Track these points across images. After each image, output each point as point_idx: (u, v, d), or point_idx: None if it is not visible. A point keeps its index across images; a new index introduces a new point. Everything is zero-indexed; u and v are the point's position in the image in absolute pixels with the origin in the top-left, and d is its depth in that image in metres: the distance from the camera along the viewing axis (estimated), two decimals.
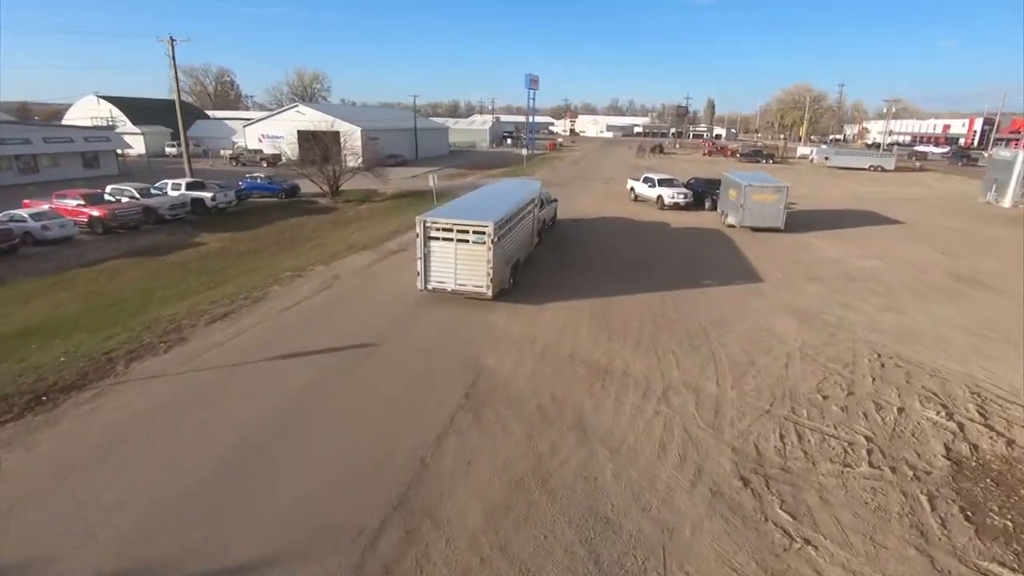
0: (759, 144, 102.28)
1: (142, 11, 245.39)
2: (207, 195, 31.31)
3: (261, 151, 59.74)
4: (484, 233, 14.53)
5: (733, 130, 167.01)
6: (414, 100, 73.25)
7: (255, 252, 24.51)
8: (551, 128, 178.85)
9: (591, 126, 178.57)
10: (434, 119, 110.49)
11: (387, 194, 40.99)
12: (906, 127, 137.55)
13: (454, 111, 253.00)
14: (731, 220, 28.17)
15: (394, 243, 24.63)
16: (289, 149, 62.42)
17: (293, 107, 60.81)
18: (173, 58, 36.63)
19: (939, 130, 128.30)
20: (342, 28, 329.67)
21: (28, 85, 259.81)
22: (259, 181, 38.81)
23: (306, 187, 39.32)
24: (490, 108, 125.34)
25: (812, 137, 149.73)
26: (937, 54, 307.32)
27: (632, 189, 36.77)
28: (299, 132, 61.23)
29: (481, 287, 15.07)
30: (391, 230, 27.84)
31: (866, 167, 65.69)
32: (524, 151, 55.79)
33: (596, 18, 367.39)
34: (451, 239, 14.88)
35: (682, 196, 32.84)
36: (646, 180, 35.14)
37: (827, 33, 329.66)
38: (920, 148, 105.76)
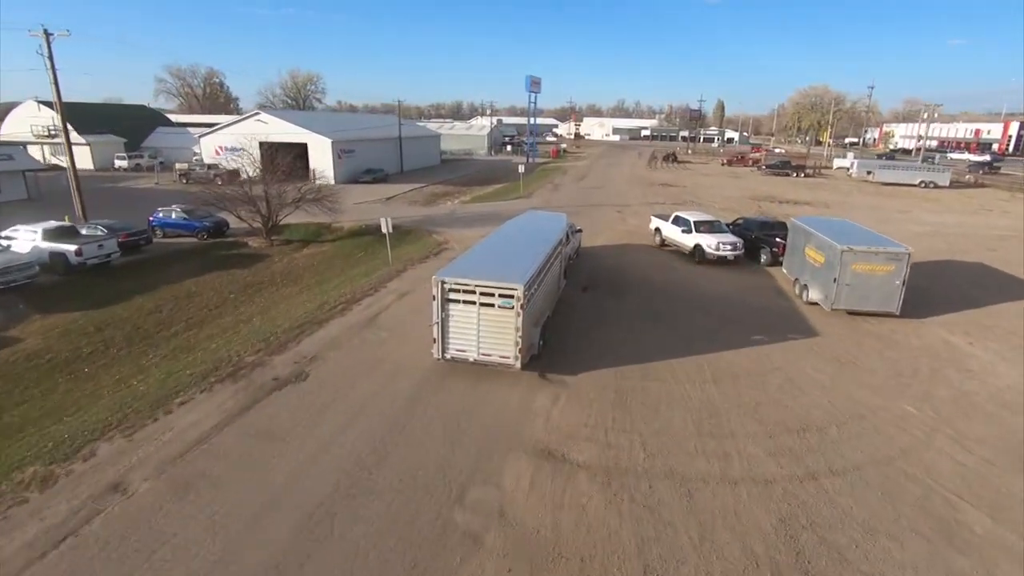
0: (783, 152, 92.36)
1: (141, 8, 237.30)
2: (70, 248, 22.15)
3: (217, 166, 50.60)
4: (512, 296, 12.34)
5: (745, 133, 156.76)
6: (398, 105, 63.75)
7: (85, 358, 15.37)
8: (555, 131, 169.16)
9: (597, 128, 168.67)
10: (428, 124, 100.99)
11: (342, 230, 31.74)
12: (931, 131, 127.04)
13: (456, 112, 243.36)
14: (814, 296, 18.77)
15: (329, 332, 15.37)
16: (250, 164, 53.66)
17: (253, 115, 51.63)
18: (50, 56, 27.46)
19: (970, 134, 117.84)
20: (342, 28, 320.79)
21: None
22: (173, 217, 29.62)
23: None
24: (488, 111, 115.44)
25: (829, 142, 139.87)
26: (947, 54, 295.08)
27: (657, 232, 27.31)
28: (261, 144, 52.11)
29: (508, 358, 12.79)
30: (326, 303, 18.52)
31: (916, 183, 55.91)
32: (521, 167, 46.37)
33: (601, 17, 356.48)
34: (473, 302, 12.68)
35: (730, 247, 23.42)
36: (678, 221, 25.69)
37: (834, 33, 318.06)
38: (955, 155, 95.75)
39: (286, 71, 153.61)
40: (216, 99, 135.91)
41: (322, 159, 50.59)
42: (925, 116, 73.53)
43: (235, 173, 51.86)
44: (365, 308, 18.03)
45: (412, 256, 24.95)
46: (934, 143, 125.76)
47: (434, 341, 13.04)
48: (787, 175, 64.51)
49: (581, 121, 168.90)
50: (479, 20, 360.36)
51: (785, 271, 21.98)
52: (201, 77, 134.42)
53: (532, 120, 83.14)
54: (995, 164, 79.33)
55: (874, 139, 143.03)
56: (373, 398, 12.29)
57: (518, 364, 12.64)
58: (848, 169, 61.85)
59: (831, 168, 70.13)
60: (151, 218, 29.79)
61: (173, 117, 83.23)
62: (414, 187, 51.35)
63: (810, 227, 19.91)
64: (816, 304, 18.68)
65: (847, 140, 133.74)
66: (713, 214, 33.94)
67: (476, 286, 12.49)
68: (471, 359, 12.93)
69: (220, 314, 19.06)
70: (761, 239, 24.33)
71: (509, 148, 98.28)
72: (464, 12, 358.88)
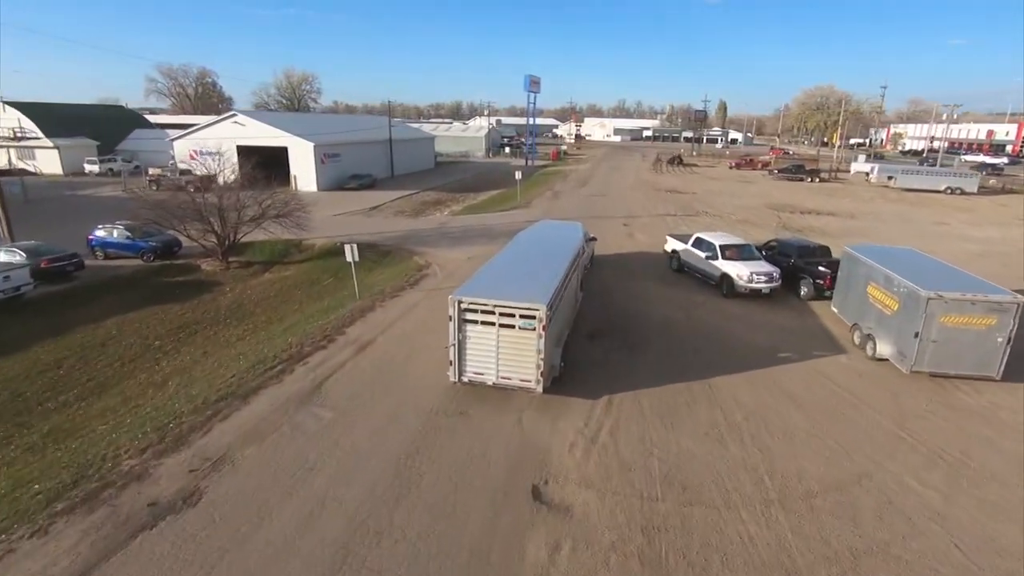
0: (792, 153, 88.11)
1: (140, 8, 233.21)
2: None
3: (190, 171, 46.46)
4: (534, 317, 11.34)
5: (749, 134, 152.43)
6: (388, 105, 59.49)
7: None
8: (555, 131, 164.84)
9: (598, 129, 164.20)
10: (422, 126, 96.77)
11: (313, 248, 27.65)
12: (938, 131, 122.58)
13: (456, 112, 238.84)
14: (884, 350, 14.66)
15: (254, 411, 11.27)
16: (228, 168, 49.50)
17: (229, 116, 47.45)
18: None
19: (982, 135, 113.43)
20: (342, 29, 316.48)
21: None
22: (115, 236, 25.52)
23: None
24: (486, 111, 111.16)
25: (826, 141, 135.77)
26: (945, 54, 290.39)
27: (674, 255, 23.21)
28: (239, 148, 48.01)
29: (529, 381, 11.77)
30: (264, 360, 14.34)
31: (942, 189, 51.76)
32: (518, 173, 42.23)
33: (601, 17, 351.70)
34: (492, 323, 11.68)
35: (765, 279, 19.30)
36: (700, 245, 21.56)
37: (835, 33, 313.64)
38: (968, 157, 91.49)
39: (280, 70, 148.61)
40: (209, 100, 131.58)
41: (304, 164, 46.52)
42: (944, 116, 69.11)
43: (209, 179, 47.94)
44: (311, 370, 13.93)
45: (385, 287, 20.86)
46: (944, 144, 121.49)
47: (450, 363, 12.30)
48: (801, 180, 60.32)
49: (582, 122, 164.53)
50: (478, 20, 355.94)
51: (836, 310, 17.86)
52: (193, 77, 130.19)
53: (531, 120, 78.91)
54: (997, 167, 75.82)
55: (882, 140, 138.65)
56: (292, 543, 8.23)
57: (540, 388, 11.87)
58: (867, 174, 57.61)
59: (847, 172, 65.87)
60: (90, 237, 25.73)
61: (152, 118, 79.03)
62: (404, 194, 47.26)
63: (874, 261, 15.80)
64: (886, 360, 14.60)
65: (851, 141, 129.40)
66: (734, 230, 30.00)
67: (495, 306, 11.70)
68: (489, 382, 12.19)
69: (132, 371, 15.01)
70: (801, 268, 20.20)
71: (507, 150, 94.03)
72: (463, 11, 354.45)
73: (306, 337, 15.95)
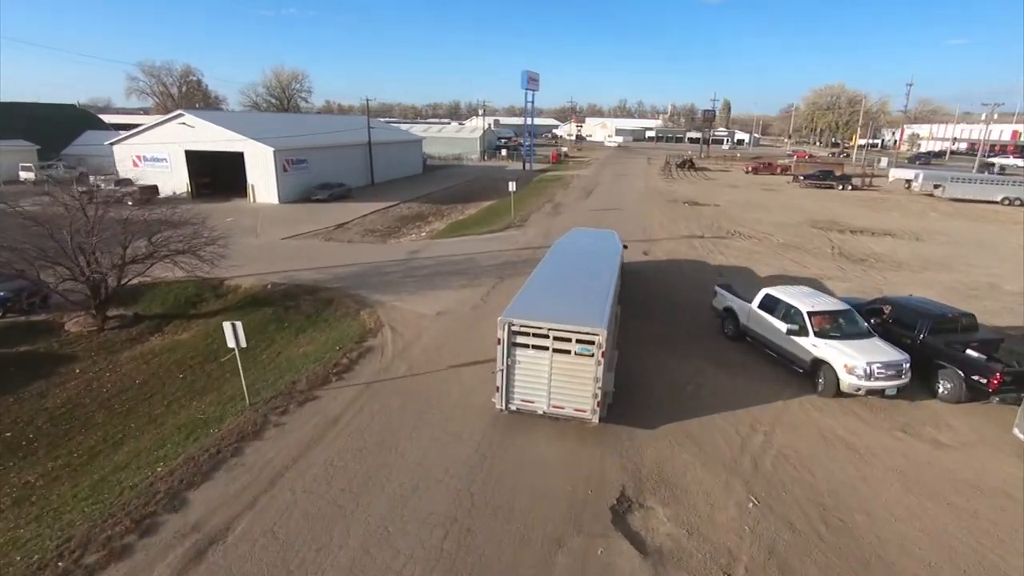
0: (809, 155, 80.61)
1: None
2: None
3: (130, 181, 39.14)
4: (592, 342, 10.10)
5: (756, 135, 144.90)
6: (367, 103, 51.97)
7: None
8: (554, 132, 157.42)
9: (599, 130, 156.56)
10: (413, 127, 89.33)
11: (237, 292, 20.42)
12: (958, 132, 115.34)
13: (455, 112, 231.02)
14: None
15: None
16: (175, 178, 42.14)
17: (176, 116, 39.96)
18: None
19: (1006, 136, 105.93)
20: (341, 28, 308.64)
21: None
22: None
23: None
24: (481, 111, 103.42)
25: (837, 142, 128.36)
26: (945, 54, 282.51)
27: (729, 315, 15.88)
28: (188, 153, 40.69)
29: (584, 411, 10.53)
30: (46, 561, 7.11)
31: (998, 200, 44.46)
32: (512, 184, 34.90)
33: (601, 16, 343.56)
34: (545, 347, 10.45)
35: (891, 373, 12.00)
36: (772, 305, 14.21)
37: (836, 33, 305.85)
38: (998, 160, 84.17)
39: (269, 69, 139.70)
40: (193, 99, 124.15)
41: (262, 172, 39.17)
42: (983, 117, 61.75)
43: (151, 190, 40.71)
44: None
45: (301, 373, 13.62)
46: (963, 146, 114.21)
47: (497, 390, 10.91)
48: (831, 187, 52.98)
49: (583, 122, 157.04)
50: (476, 19, 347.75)
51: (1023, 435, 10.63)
52: (177, 75, 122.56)
53: (530, 120, 71.45)
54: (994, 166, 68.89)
55: (895, 141, 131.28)
56: None
57: (596, 418, 10.46)
58: (908, 181, 50.16)
59: (882, 177, 58.36)
60: None
61: (111, 118, 71.47)
62: (380, 207, 39.95)
63: None
64: None
65: (859, 143, 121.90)
66: (782, 260, 22.93)
67: (550, 329, 10.31)
68: (540, 411, 10.80)
69: None
70: (938, 350, 12.90)
71: (504, 152, 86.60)
72: (461, 10, 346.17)
73: (114, 512, 8.71)
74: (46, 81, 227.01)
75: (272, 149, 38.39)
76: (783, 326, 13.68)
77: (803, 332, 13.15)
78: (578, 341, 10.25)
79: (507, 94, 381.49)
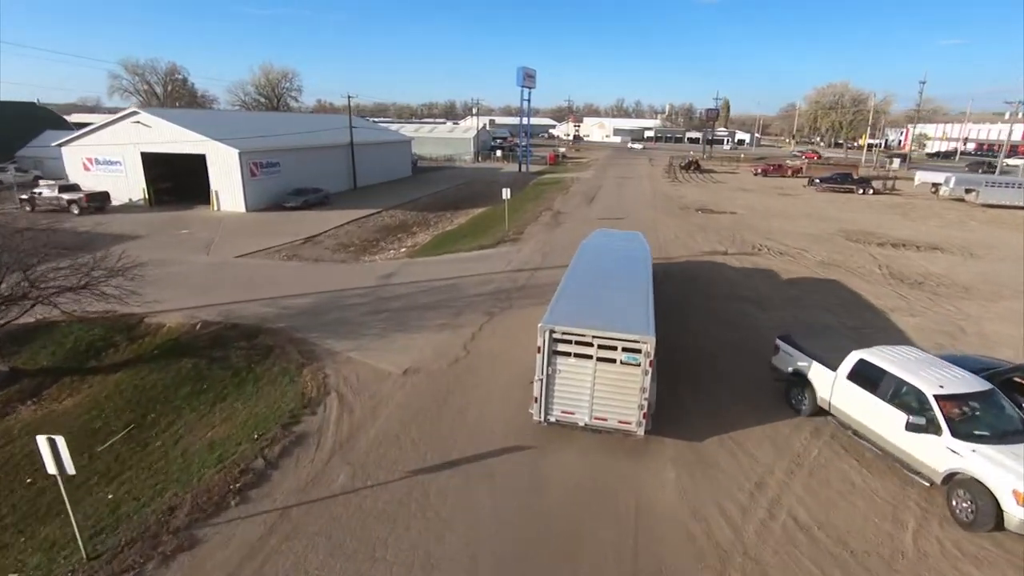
0: (819, 156, 76.41)
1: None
2: None
3: (77, 186, 34.48)
4: (639, 351, 9.41)
5: (757, 134, 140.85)
6: (348, 100, 47.26)
7: None
8: (551, 132, 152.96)
9: (596, 130, 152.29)
10: (404, 127, 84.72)
11: (155, 336, 15.93)
12: (965, 132, 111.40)
13: (450, 112, 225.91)
14: None
15: None
16: (131, 183, 37.46)
17: (130, 114, 35.29)
18: None
19: (1015, 136, 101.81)
20: (337, 27, 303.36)
21: None
22: None
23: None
24: (475, 110, 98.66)
25: (840, 142, 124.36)
26: (939, 54, 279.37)
27: (806, 386, 11.44)
28: (144, 155, 36.05)
29: (629, 423, 9.84)
30: None
31: None
32: (506, 191, 30.53)
33: (599, 15, 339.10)
34: (589, 356, 9.73)
35: None
36: (870, 378, 9.90)
37: (836, 33, 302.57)
38: (1013, 161, 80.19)
39: (258, 67, 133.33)
40: (179, 98, 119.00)
41: (227, 177, 34.60)
42: (1007, 116, 57.62)
43: (102, 197, 36.03)
44: None
45: (197, 475, 9.19)
46: (971, 146, 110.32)
47: (535, 400, 10.24)
48: (850, 191, 48.77)
49: (580, 122, 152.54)
50: (474, 18, 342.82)
51: None
52: (162, 73, 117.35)
53: (526, 120, 66.89)
54: (992, 164, 65.21)
55: (899, 141, 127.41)
56: None
57: (642, 431, 9.87)
58: (936, 185, 45.89)
59: (907, 180, 54.07)
60: None
61: (75, 118, 66.61)
62: (360, 215, 35.49)
63: None
64: None
65: (858, 143, 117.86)
66: (825, 285, 18.61)
67: (594, 337, 9.65)
68: (581, 423, 10.12)
69: None
70: None
71: (499, 153, 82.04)
72: (458, 9, 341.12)
73: None
74: (40, 82, 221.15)
75: (237, 151, 33.79)
76: (895, 414, 9.29)
77: (932, 429, 8.77)
78: (624, 350, 9.57)
79: (503, 94, 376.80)
